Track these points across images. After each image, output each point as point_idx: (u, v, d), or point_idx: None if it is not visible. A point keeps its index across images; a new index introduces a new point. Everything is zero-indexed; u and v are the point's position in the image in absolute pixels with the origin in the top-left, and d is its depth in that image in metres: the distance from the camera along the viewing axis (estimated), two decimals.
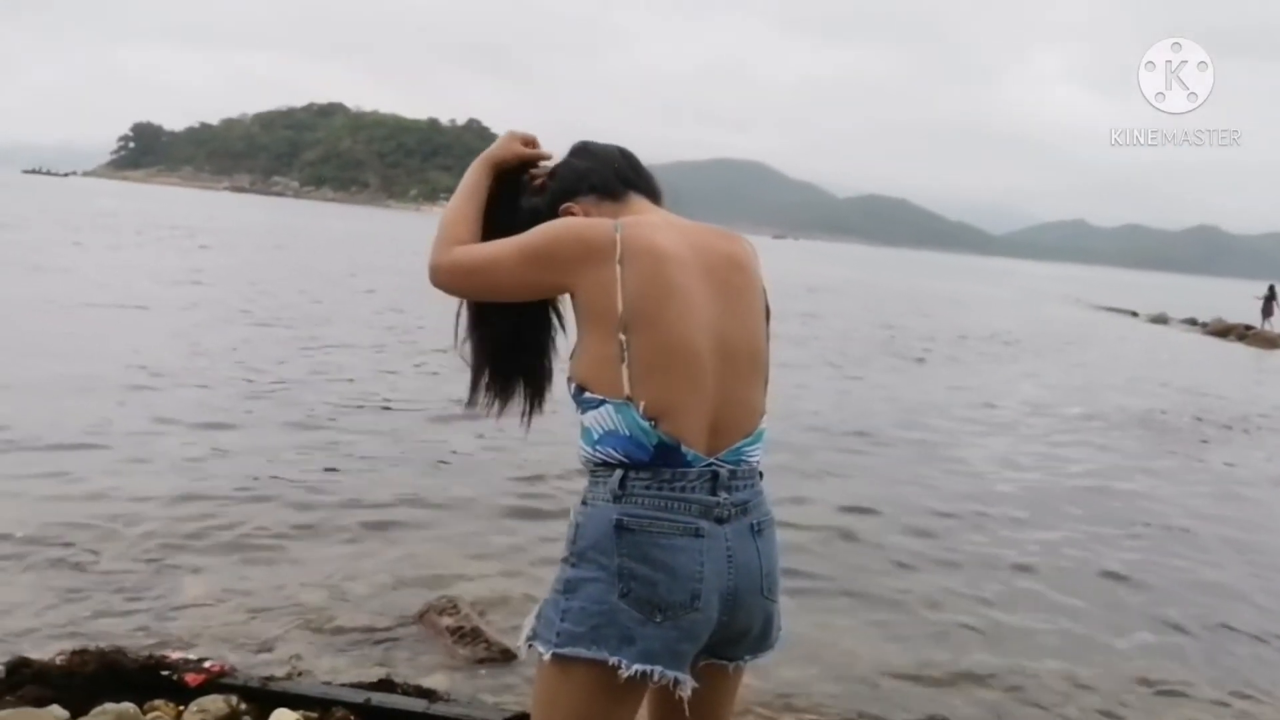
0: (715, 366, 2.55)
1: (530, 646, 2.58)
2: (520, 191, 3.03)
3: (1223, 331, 47.34)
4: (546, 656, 2.52)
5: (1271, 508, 13.16)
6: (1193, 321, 53.16)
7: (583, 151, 2.98)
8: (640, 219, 2.66)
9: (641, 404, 2.47)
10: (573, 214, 2.78)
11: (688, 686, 2.53)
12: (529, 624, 2.61)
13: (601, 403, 2.52)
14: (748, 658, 2.75)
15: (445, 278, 2.73)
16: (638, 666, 2.44)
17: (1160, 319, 54.79)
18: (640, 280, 2.47)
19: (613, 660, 2.44)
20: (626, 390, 2.47)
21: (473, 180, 2.94)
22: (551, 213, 2.85)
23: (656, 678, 2.47)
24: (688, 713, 2.61)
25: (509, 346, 2.97)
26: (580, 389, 2.56)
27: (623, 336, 2.46)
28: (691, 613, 2.49)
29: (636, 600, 2.46)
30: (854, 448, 14.33)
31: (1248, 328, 47.11)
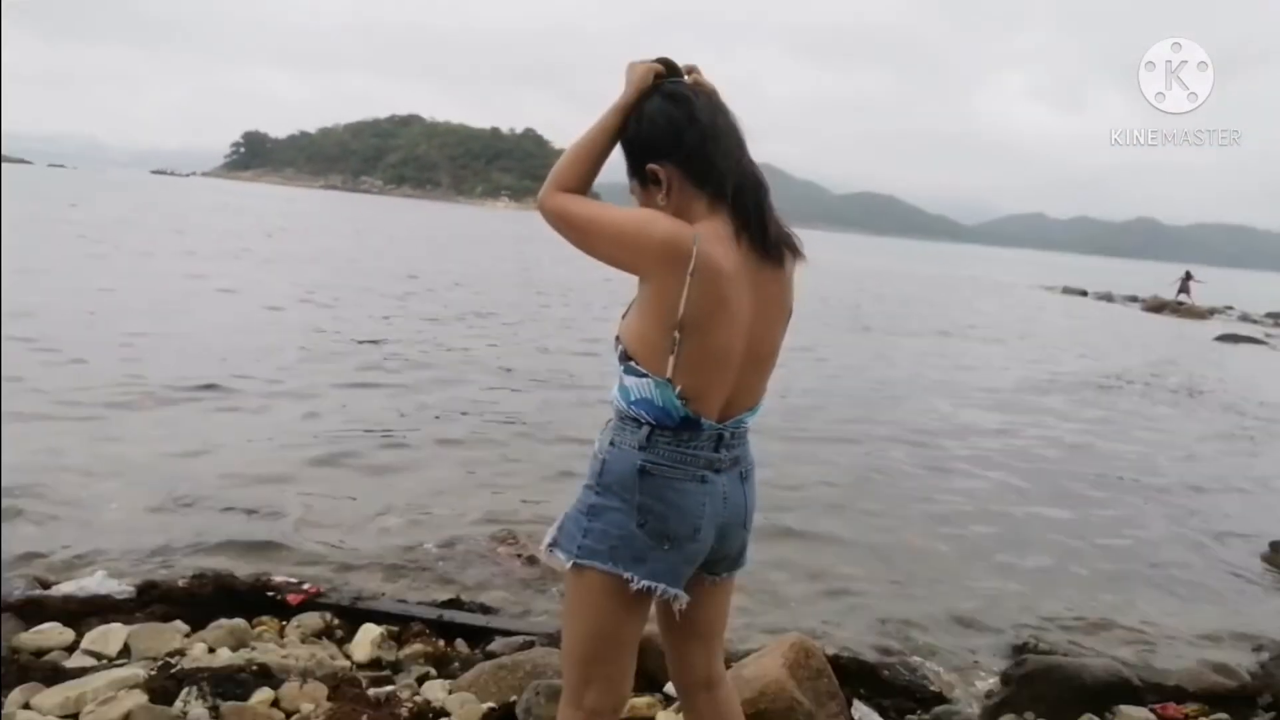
0: (740, 363, 2.59)
1: (551, 552, 2.67)
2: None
3: (1158, 307, 47.27)
4: (568, 565, 2.62)
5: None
6: (1133, 298, 52.93)
7: (697, 117, 2.60)
8: (717, 235, 2.52)
9: (679, 387, 2.51)
10: (656, 175, 2.59)
11: (683, 600, 2.66)
12: (551, 533, 2.69)
13: (644, 375, 2.54)
14: (724, 574, 2.84)
15: (548, 218, 2.64)
16: (645, 582, 2.56)
17: (1106, 297, 54.78)
18: (702, 294, 2.45)
19: (626, 575, 2.55)
20: (669, 374, 2.51)
21: (603, 124, 2.66)
22: (635, 158, 2.65)
23: (659, 593, 2.59)
24: (687, 619, 2.77)
25: None
26: (628, 356, 2.58)
27: (676, 335, 2.47)
28: (693, 542, 2.61)
29: (650, 530, 2.55)
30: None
31: (1179, 303, 47.12)
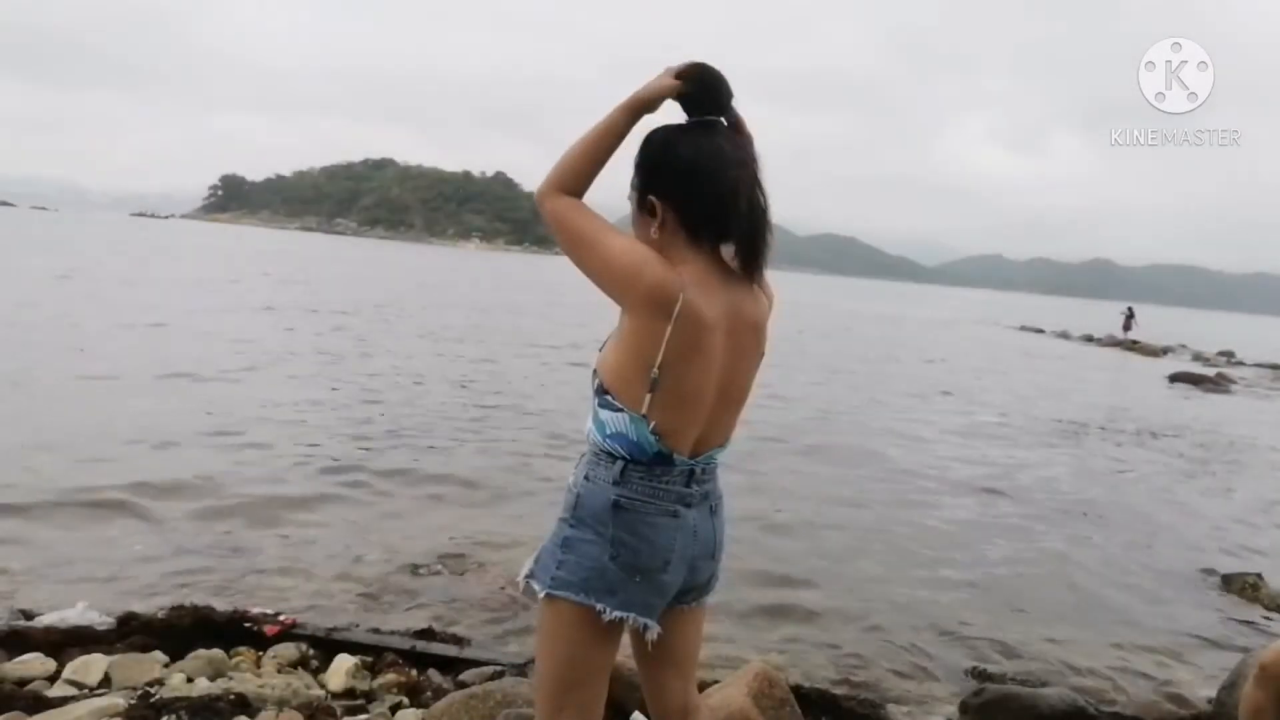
0: (713, 404, 2.60)
1: (527, 583, 2.68)
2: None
3: (1110, 344, 48.47)
4: (541, 594, 2.62)
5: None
6: (1088, 337, 53.67)
7: (717, 170, 2.55)
8: (701, 283, 2.52)
9: (653, 423, 2.53)
10: (654, 208, 2.57)
11: (654, 631, 2.68)
12: (528, 564, 2.71)
13: (620, 410, 2.56)
14: (694, 603, 2.85)
15: (545, 216, 2.59)
16: (617, 613, 2.58)
17: (1063, 335, 55.82)
18: (682, 342, 2.46)
19: (599, 606, 2.56)
20: (644, 410, 2.52)
21: (610, 123, 2.58)
22: (641, 180, 2.62)
23: (631, 622, 2.62)
24: (660, 648, 2.77)
25: None
26: (605, 390, 2.60)
27: (655, 373, 2.48)
28: (663, 575, 2.63)
29: (623, 563, 2.57)
30: None
31: (1134, 342, 47.98)
